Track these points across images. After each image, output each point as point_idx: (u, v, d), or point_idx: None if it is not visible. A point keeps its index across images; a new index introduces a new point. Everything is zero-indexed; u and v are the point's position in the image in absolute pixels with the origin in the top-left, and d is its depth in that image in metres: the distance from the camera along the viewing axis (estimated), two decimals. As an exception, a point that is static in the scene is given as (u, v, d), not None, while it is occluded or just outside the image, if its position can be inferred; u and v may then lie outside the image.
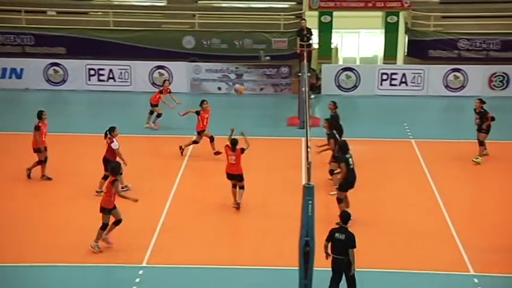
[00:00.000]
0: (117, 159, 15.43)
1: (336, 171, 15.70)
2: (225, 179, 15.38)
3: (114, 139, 15.59)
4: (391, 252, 13.38)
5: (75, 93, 24.78)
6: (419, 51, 25.46)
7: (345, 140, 14.85)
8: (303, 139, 18.33)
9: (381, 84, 24.77)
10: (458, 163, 18.16)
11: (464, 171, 17.76)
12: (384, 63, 25.85)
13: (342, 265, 11.26)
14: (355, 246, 11.23)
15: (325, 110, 18.68)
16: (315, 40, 24.75)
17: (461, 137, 19.97)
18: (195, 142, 18.33)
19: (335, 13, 25.51)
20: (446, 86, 24.66)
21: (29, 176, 16.69)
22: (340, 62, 27.12)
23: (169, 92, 20.73)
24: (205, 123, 18.24)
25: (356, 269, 11.32)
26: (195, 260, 13.16)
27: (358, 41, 28.14)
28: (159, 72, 24.97)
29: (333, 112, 17.43)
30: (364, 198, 14.75)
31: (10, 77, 25.03)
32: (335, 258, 11.32)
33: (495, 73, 24.47)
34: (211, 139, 18.17)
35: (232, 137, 15.23)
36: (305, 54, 21.91)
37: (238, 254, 13.44)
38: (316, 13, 25.56)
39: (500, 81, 24.50)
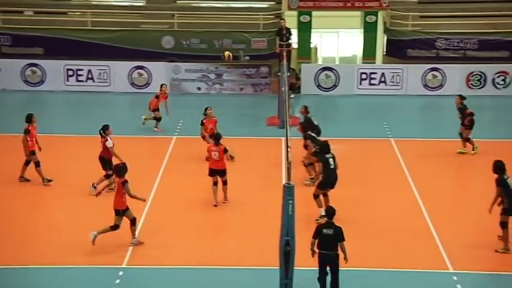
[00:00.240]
0: (113, 158, 15.53)
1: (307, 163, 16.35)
2: (206, 179, 15.41)
3: (108, 137, 15.65)
4: (371, 250, 13.42)
5: (53, 94, 24.59)
6: (398, 50, 25.61)
7: (326, 141, 14.96)
8: (283, 139, 18.35)
9: (360, 84, 24.88)
10: (437, 161, 18.29)
11: (443, 170, 17.89)
12: (363, 62, 25.99)
13: (331, 260, 11.37)
14: (344, 239, 11.43)
15: (304, 110, 18.73)
16: (294, 40, 24.79)
17: (440, 136, 20.12)
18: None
19: (314, 13, 25.59)
20: (425, 85, 24.83)
21: (26, 180, 16.50)
22: (320, 62, 27.21)
23: (166, 97, 20.40)
24: (208, 132, 17.83)
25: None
26: (175, 260, 13.11)
27: (337, 40, 28.25)
28: (138, 73, 24.87)
29: (305, 116, 17.60)
30: (343, 197, 14.81)
31: (-13, 78, 24.83)
32: (323, 254, 11.41)
33: (472, 72, 24.68)
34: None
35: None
36: (284, 54, 21.90)
37: (220, 254, 13.41)
38: (295, 13, 25.61)
39: (477, 81, 24.71)
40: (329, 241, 11.38)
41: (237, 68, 24.80)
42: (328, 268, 11.48)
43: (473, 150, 18.61)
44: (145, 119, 20.41)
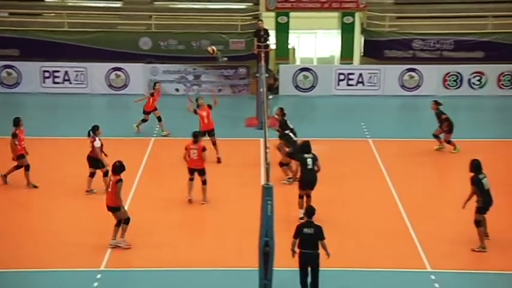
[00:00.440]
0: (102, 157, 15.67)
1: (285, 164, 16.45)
2: (185, 179, 15.42)
3: (96, 138, 15.72)
4: (349, 250, 13.45)
5: (29, 96, 24.36)
6: (375, 51, 25.74)
7: (308, 141, 14.95)
8: (262, 140, 18.39)
9: (338, 85, 24.97)
10: (415, 161, 18.43)
11: (421, 169, 18.02)
12: (340, 63, 26.06)
13: (312, 259, 11.40)
14: (324, 238, 11.47)
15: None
16: (272, 41, 24.79)
17: (417, 136, 20.26)
18: (214, 144, 18.08)
19: (292, 14, 25.62)
20: (402, 86, 24.99)
21: (5, 182, 16.36)
22: (298, 63, 27.26)
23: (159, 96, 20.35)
24: (205, 122, 18.04)
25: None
26: (154, 262, 13.04)
27: (315, 41, 28.32)
28: (115, 74, 24.73)
29: (281, 118, 17.64)
30: (321, 197, 14.83)
31: (-39, 80, 24.55)
32: (304, 253, 11.43)
33: (449, 73, 24.88)
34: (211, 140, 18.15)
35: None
36: (262, 55, 21.95)
37: (199, 255, 13.37)
38: (273, 14, 25.62)
39: (454, 81, 24.92)
40: (310, 240, 11.41)
41: (215, 69, 24.77)
42: (309, 269, 11.49)
43: (454, 150, 18.75)
44: (136, 126, 20.27)
